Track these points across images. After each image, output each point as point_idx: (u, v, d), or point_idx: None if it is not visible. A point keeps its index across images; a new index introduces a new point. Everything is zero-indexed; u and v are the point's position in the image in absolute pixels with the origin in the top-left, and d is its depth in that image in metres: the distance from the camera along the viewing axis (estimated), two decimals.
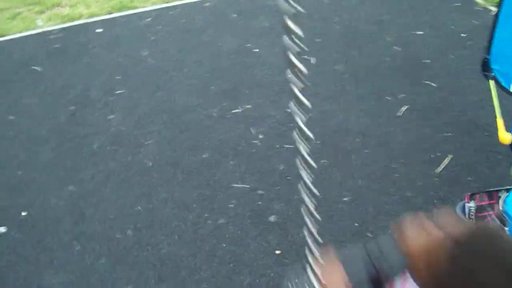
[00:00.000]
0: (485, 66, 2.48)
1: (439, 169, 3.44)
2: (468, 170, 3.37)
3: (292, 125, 1.08)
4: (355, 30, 5.07)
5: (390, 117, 3.92)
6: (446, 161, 3.50)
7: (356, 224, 3.11)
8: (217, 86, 4.31)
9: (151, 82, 4.47)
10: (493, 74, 2.47)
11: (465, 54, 4.54)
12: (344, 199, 3.27)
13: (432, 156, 3.55)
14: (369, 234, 3.04)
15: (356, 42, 4.87)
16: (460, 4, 5.45)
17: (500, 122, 2.40)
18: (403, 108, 3.99)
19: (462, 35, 4.87)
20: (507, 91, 2.50)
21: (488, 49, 2.44)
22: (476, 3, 5.40)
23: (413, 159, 3.54)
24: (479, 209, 2.76)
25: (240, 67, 4.51)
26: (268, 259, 2.93)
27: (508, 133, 2.38)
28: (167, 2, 5.85)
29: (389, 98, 4.11)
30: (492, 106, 2.46)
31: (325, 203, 3.21)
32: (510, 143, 2.40)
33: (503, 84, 2.48)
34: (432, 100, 4.07)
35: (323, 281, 1.64)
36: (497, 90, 2.48)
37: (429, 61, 4.55)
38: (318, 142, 3.67)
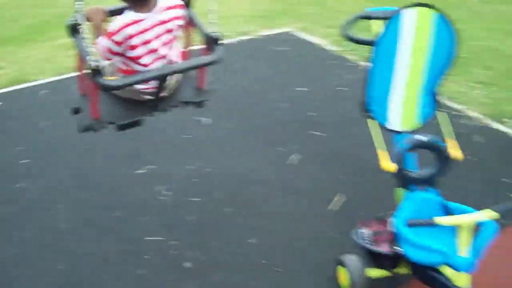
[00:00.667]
0: (364, 107, 2.90)
1: (331, 206, 3.84)
2: (360, 205, 3.77)
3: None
4: (244, 90, 5.48)
5: (283, 165, 4.31)
6: (337, 198, 3.91)
7: (263, 261, 3.41)
8: (119, 150, 4.52)
9: (54, 150, 4.61)
10: (370, 114, 2.89)
11: (345, 104, 5.05)
12: (249, 241, 3.58)
13: (326, 196, 3.94)
14: (276, 269, 3.36)
15: (246, 101, 5.27)
16: (335, 62, 6.02)
17: (381, 153, 2.80)
18: (295, 157, 4.39)
19: (341, 88, 5.39)
20: (384, 128, 2.93)
21: (365, 94, 2.86)
22: (348, 60, 5.98)
23: (308, 200, 3.93)
24: (374, 234, 3.15)
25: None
26: None
27: (390, 162, 2.79)
28: (61, 74, 5.98)
29: (280, 148, 4.51)
30: None
31: (230, 249, 3.51)
32: (393, 171, 2.80)
33: (379, 122, 2.91)
34: (322, 148, 4.53)
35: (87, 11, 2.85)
36: (376, 128, 2.90)
37: (314, 113, 5.01)
38: (220, 193, 4.00)
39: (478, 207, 2.72)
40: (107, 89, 2.86)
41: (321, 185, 4.09)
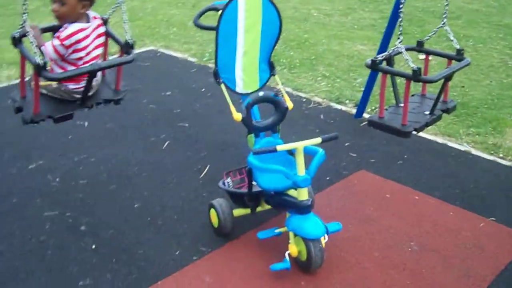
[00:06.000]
0: (216, 75, 3.65)
1: (202, 174, 4.58)
2: (222, 170, 4.50)
3: None
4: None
5: (158, 150, 5.02)
6: (206, 169, 4.65)
7: (148, 218, 4.09)
8: (10, 152, 5.03)
9: None
10: (222, 80, 3.65)
11: (207, 102, 5.87)
12: (135, 205, 4.24)
13: (195, 169, 4.68)
14: (160, 222, 4.03)
15: (120, 106, 5.92)
16: (195, 69, 6.87)
17: (232, 107, 3.56)
18: (166, 143, 5.12)
19: (202, 90, 6.19)
20: (233, 91, 3.71)
21: (216, 63, 3.63)
22: (208, 67, 6.83)
23: (183, 173, 4.65)
24: (235, 182, 3.91)
25: None
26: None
27: (239, 112, 3.55)
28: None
29: (153, 138, 5.21)
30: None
31: (119, 212, 4.17)
32: (241, 119, 3.56)
33: (229, 86, 3.69)
34: (188, 135, 5.28)
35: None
36: (228, 91, 3.66)
37: (179, 110, 5.78)
38: (105, 175, 4.63)
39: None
40: (52, 79, 3.48)
41: (190, 161, 4.86)
